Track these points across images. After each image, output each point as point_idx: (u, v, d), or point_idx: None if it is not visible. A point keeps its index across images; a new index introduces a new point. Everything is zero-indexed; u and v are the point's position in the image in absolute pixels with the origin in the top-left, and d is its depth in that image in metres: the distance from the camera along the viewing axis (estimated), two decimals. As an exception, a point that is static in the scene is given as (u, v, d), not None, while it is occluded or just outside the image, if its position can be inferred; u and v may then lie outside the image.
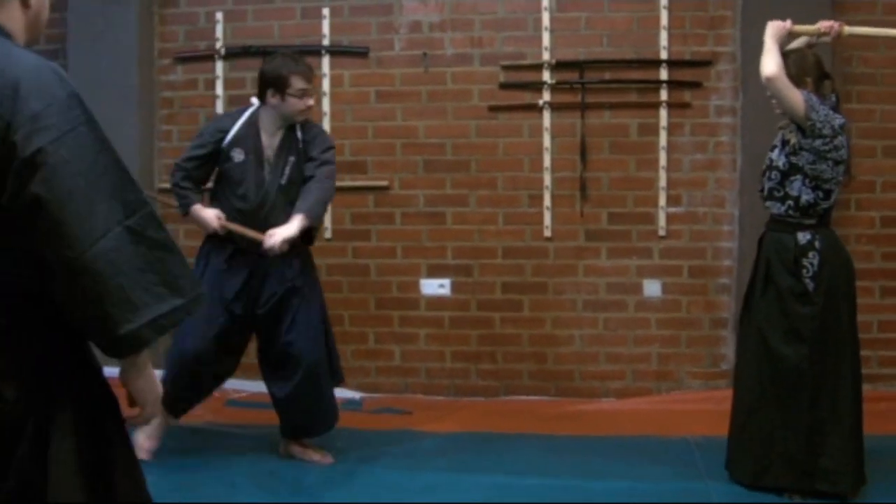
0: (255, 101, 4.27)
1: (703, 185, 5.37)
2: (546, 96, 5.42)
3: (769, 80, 3.68)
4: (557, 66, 5.40)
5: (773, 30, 3.78)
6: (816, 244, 3.77)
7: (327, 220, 5.46)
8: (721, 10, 5.32)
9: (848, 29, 3.93)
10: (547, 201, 5.45)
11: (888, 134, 5.29)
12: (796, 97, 3.67)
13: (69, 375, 1.91)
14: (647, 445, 4.58)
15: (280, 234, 4.01)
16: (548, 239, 5.48)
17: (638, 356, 5.45)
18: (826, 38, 3.95)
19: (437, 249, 5.57)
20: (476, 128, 5.51)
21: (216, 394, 4.64)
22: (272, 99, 4.15)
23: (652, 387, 5.45)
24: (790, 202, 3.80)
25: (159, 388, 2.00)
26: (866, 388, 5.25)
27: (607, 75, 5.40)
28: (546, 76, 5.41)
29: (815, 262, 3.75)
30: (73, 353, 1.94)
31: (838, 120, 3.73)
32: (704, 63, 5.33)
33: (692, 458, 4.38)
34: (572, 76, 5.40)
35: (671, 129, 5.35)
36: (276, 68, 4.14)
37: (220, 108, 5.60)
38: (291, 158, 4.20)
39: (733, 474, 3.99)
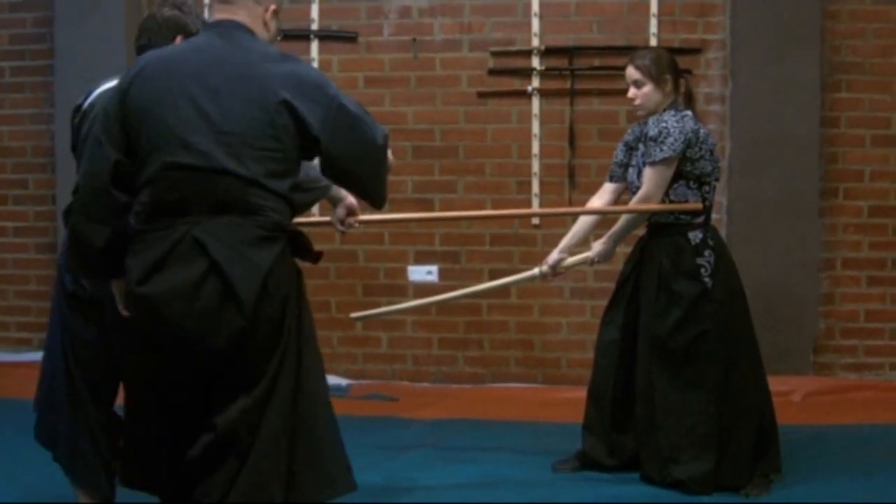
0: None
1: (691, 173, 5.36)
2: (535, 83, 5.41)
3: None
4: (547, 53, 5.39)
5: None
6: (710, 241, 3.74)
7: (315, 207, 5.43)
8: (711, -2, 5.31)
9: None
10: (535, 188, 5.44)
11: (877, 123, 5.30)
12: (663, 175, 3.66)
13: (301, 309, 2.51)
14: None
15: None
16: (535, 226, 5.48)
17: (625, 344, 5.44)
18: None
19: (424, 236, 5.56)
20: (465, 114, 5.49)
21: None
22: None
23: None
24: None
25: None
26: (853, 378, 5.33)
27: (597, 62, 5.38)
28: (535, 62, 5.40)
29: (712, 259, 3.71)
30: (301, 286, 2.53)
31: (689, 123, 3.67)
32: (694, 51, 5.32)
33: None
34: (561, 62, 5.39)
35: (660, 117, 5.34)
36: None
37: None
38: None
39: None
